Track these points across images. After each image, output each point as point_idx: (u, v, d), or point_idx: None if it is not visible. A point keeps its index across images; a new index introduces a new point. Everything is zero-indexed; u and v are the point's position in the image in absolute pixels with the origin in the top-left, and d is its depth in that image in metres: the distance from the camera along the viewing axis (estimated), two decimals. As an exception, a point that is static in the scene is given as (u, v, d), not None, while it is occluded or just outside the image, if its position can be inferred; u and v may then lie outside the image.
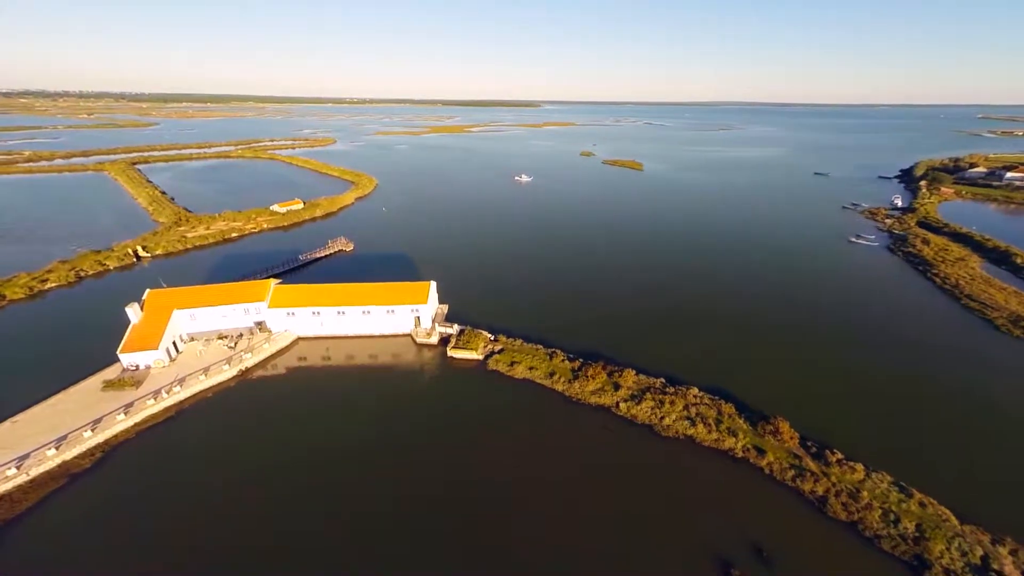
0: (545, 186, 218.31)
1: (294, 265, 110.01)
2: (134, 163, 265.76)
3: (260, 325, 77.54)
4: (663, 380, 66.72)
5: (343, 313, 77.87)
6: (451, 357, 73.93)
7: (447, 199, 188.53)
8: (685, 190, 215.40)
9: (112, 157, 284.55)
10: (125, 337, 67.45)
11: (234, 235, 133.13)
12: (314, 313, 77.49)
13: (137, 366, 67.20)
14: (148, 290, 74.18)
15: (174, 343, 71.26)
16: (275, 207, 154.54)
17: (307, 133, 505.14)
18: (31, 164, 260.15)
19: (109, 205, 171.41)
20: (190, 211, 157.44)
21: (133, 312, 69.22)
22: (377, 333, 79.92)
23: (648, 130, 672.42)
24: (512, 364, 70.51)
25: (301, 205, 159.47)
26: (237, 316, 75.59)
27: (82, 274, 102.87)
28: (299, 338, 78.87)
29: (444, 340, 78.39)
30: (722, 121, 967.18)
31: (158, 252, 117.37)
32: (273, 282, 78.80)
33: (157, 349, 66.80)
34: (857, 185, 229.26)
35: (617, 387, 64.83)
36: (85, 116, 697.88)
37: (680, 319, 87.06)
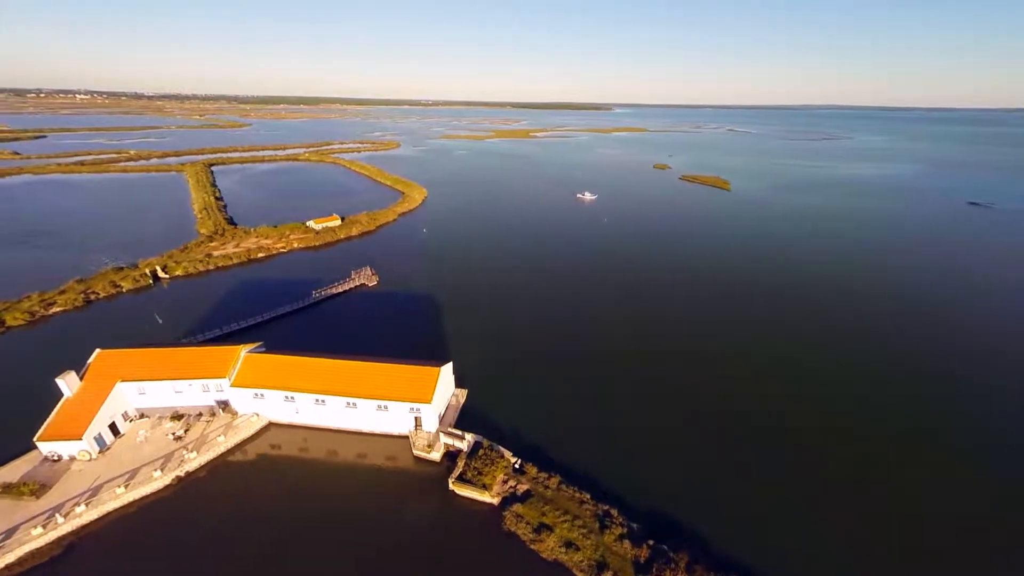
0: (611, 208, 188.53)
1: (306, 303, 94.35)
2: (212, 164, 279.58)
3: (224, 405, 60.42)
4: (803, 623, 37.70)
5: (323, 402, 58.17)
6: (453, 492, 50.82)
7: (497, 220, 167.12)
8: (789, 221, 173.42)
9: (196, 158, 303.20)
10: (51, 417, 53.12)
11: (260, 255, 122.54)
12: (287, 398, 58.68)
13: (59, 456, 52.54)
14: (97, 350, 60.18)
15: (113, 424, 56.05)
16: (311, 223, 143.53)
17: (376, 136, 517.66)
18: (130, 163, 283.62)
19: (168, 209, 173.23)
20: (232, 222, 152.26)
21: (66, 384, 54.88)
22: (366, 430, 59.32)
23: (732, 138, 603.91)
24: (540, 529, 45.57)
25: (338, 222, 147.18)
26: (195, 393, 59.04)
27: (92, 297, 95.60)
28: (271, 423, 60.78)
29: (450, 455, 55.63)
30: (821, 128, 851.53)
31: (178, 273, 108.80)
32: (243, 350, 61.40)
33: (81, 439, 51.44)
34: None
35: (716, 627, 37.13)
36: (197, 117, 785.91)
37: (816, 462, 55.84)
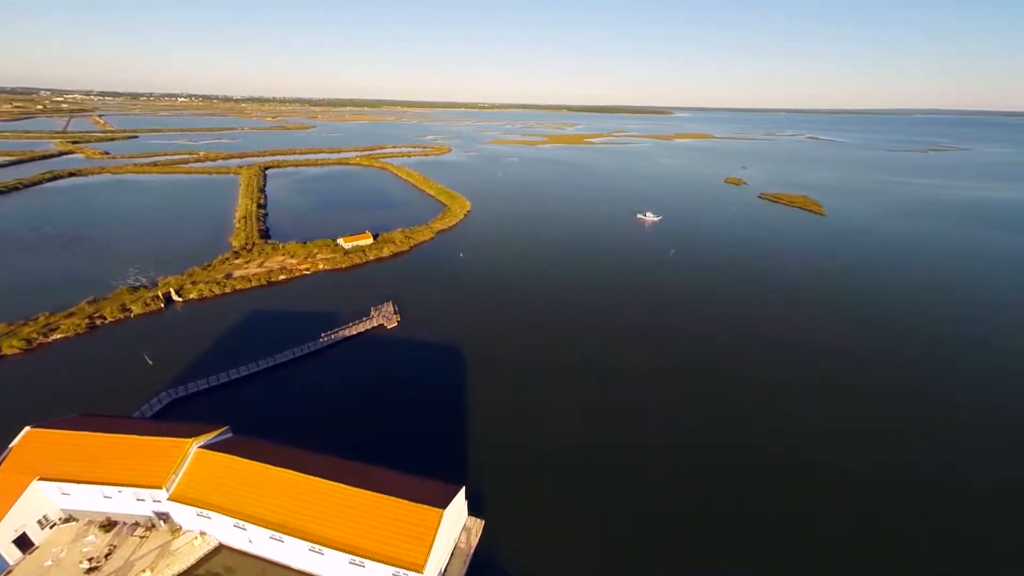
0: (678, 234, 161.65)
1: (311, 349, 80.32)
2: (268, 167, 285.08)
3: (164, 517, 45.91)
4: None
5: (281, 541, 41.63)
6: None
7: (544, 245, 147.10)
8: (915, 260, 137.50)
9: (255, 160, 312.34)
10: (-57, 529, 40.86)
11: (282, 277, 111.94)
12: (237, 526, 42.84)
13: (-54, 584, 40.10)
14: (27, 428, 48.04)
15: (23, 537, 43.12)
16: (340, 241, 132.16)
17: (429, 139, 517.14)
18: (196, 164, 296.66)
19: (211, 216, 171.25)
20: (267, 234, 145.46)
21: (-30, 482, 42.61)
22: (336, 581, 42.02)
23: (816, 148, 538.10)
24: None
25: (370, 240, 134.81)
26: (128, 500, 45.00)
27: (98, 322, 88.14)
28: (222, 546, 45.44)
29: (448, 654, 36.62)
30: (925, 137, 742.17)
31: (192, 296, 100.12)
32: (194, 445, 46.53)
33: (-35, 569, 38.58)
34: None
35: None
36: (270, 119, 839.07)
37: None
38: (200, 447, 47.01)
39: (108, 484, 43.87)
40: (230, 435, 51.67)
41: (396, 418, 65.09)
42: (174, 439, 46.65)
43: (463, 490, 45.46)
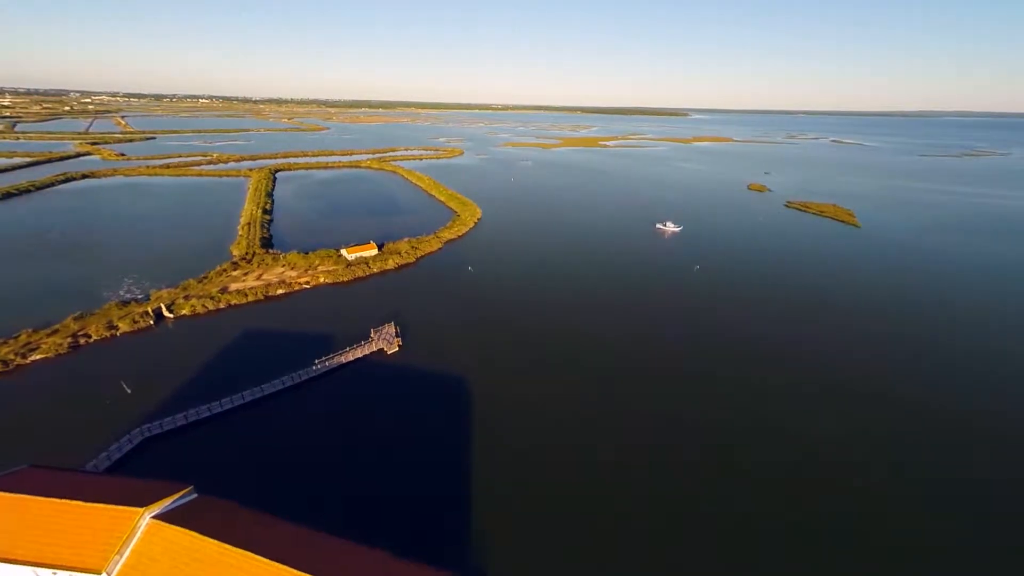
0: (701, 246, 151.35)
1: (302, 378, 73.34)
2: (278, 170, 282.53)
3: (109, 601, 38.82)
4: None
5: (236, 647, 34.08)
6: None
7: (558, 257, 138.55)
8: (969, 280, 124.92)
9: (266, 162, 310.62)
10: None
11: (280, 292, 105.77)
12: (187, 623, 35.42)
13: None
14: (-40, 490, 41.50)
15: (-57, 626, 36.51)
16: (344, 251, 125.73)
17: (441, 141, 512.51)
18: (207, 167, 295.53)
19: (216, 221, 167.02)
20: (269, 242, 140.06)
21: None
22: None
23: (840, 152, 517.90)
24: None
25: (375, 251, 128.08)
26: (66, 582, 38.03)
27: (82, 341, 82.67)
28: (176, 636, 38.08)
29: None
30: (958, 141, 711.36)
31: (184, 312, 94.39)
32: (146, 516, 39.40)
33: None
34: None
35: None
36: (287, 120, 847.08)
37: None
38: (154, 516, 39.83)
39: (38, 565, 36.91)
40: (195, 495, 44.52)
41: (389, 466, 57.42)
42: (123, 508, 39.53)
43: (462, 584, 37.38)
